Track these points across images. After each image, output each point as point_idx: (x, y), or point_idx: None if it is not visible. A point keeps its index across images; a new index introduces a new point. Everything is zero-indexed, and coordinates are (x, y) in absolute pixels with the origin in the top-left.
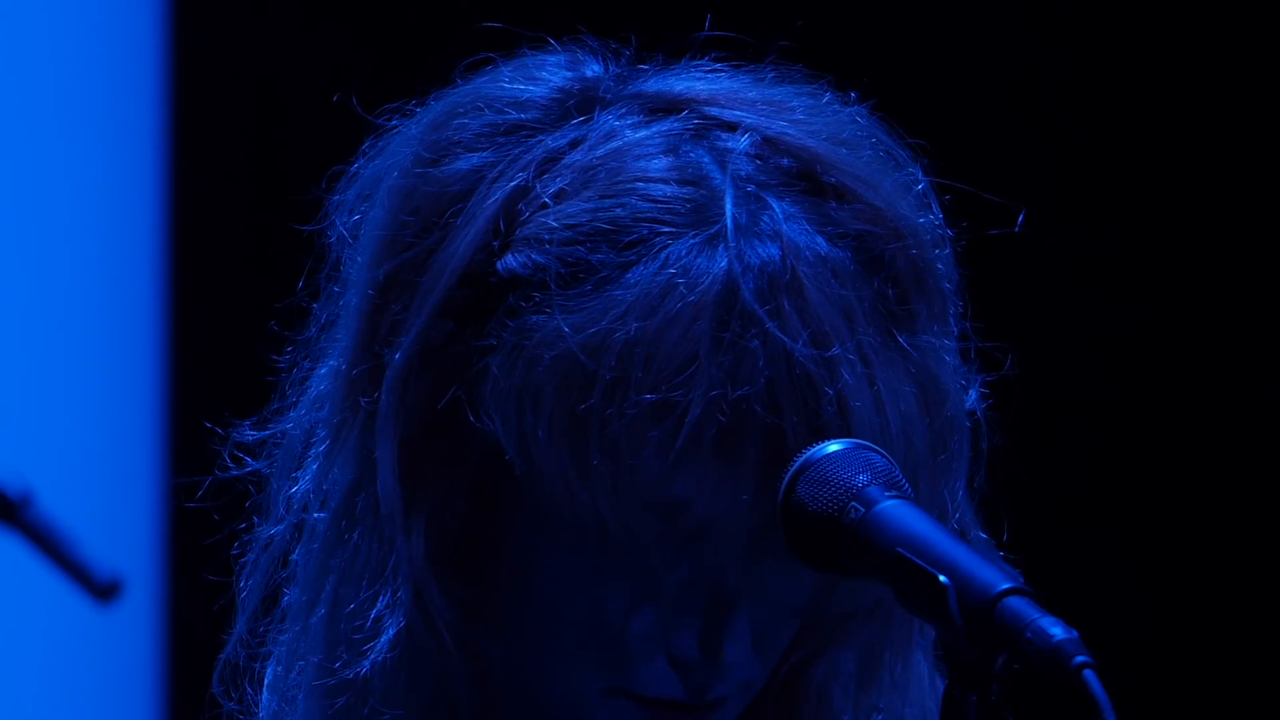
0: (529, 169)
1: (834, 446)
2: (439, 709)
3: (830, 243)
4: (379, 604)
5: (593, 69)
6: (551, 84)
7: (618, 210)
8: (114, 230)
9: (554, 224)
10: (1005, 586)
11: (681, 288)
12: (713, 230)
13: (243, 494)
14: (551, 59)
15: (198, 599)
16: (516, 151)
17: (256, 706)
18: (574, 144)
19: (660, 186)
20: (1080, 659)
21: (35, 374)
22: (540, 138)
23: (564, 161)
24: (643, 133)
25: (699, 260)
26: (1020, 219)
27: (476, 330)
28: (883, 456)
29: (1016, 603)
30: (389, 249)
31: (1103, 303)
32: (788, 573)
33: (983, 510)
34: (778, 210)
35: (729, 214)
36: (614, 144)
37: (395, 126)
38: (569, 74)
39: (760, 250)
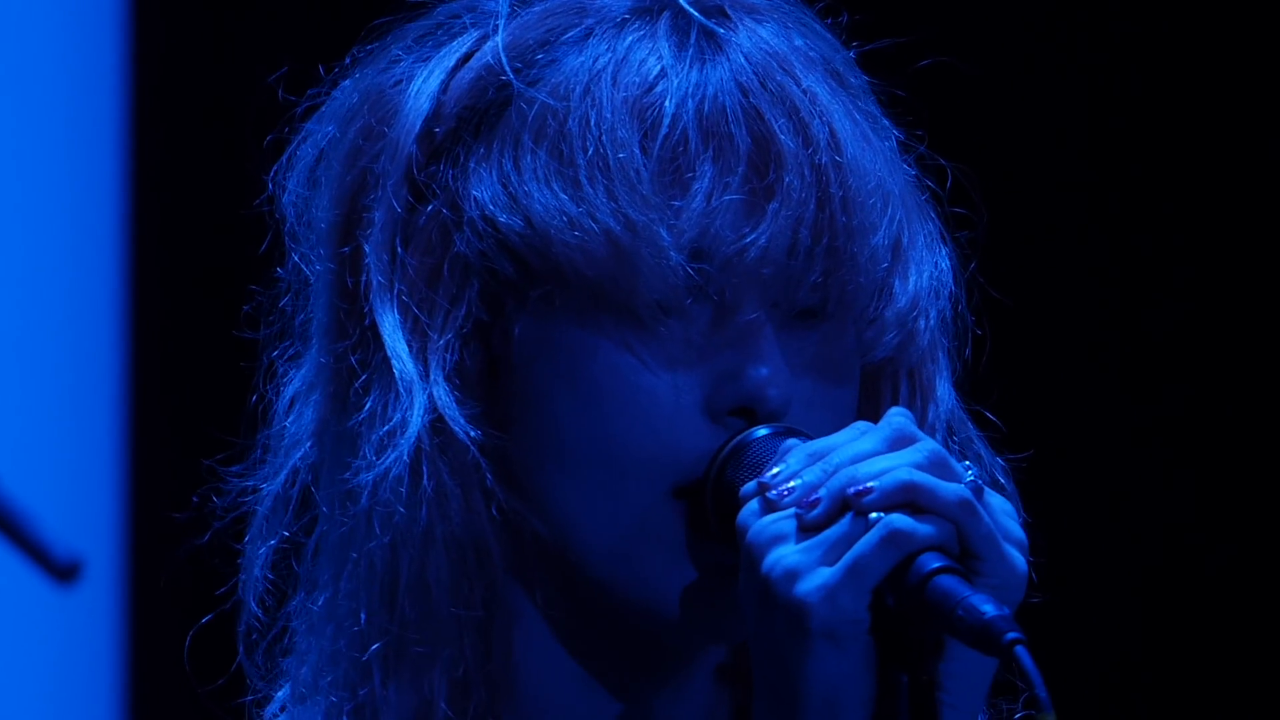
0: (469, 40)
1: (763, 431)
2: (468, 559)
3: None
4: (392, 418)
5: None
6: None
7: (565, 18)
8: (73, 218)
9: (506, 45)
10: (936, 565)
11: (636, 26)
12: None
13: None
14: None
15: (159, 580)
16: (456, 32)
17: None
18: (514, 13)
19: None
20: (1012, 635)
21: None
22: (479, 19)
23: (505, 21)
24: None
25: (648, 14)
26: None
27: (450, 165)
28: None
29: (947, 581)
30: (347, 166)
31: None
32: (813, 327)
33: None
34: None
35: None
36: None
37: (330, 91)
38: None
39: (711, 20)
